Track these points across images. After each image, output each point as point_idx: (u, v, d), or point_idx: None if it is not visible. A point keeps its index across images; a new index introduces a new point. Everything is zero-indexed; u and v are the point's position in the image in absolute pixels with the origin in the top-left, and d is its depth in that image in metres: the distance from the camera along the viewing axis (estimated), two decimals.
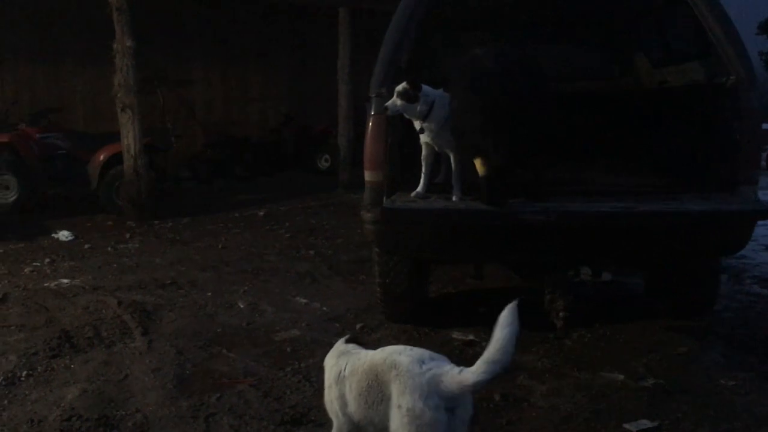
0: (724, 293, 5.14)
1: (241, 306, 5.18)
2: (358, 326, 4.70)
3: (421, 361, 2.45)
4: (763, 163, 11.67)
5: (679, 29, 4.53)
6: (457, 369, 2.41)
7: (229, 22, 12.24)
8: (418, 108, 3.69)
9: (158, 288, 5.60)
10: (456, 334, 4.50)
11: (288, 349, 4.34)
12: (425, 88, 3.72)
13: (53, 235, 7.61)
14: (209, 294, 5.46)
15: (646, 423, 3.35)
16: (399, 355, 2.54)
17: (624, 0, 4.91)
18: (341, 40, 10.61)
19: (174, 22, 11.56)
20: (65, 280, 5.84)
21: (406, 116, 3.75)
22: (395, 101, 3.68)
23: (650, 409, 3.50)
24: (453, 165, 3.83)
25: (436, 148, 3.89)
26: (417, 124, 3.81)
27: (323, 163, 12.30)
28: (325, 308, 5.14)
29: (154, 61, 10.24)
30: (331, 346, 4.29)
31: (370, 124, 3.89)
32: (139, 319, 4.83)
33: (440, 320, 4.74)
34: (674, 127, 3.86)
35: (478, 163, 3.54)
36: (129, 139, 8.44)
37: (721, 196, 3.64)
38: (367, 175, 3.93)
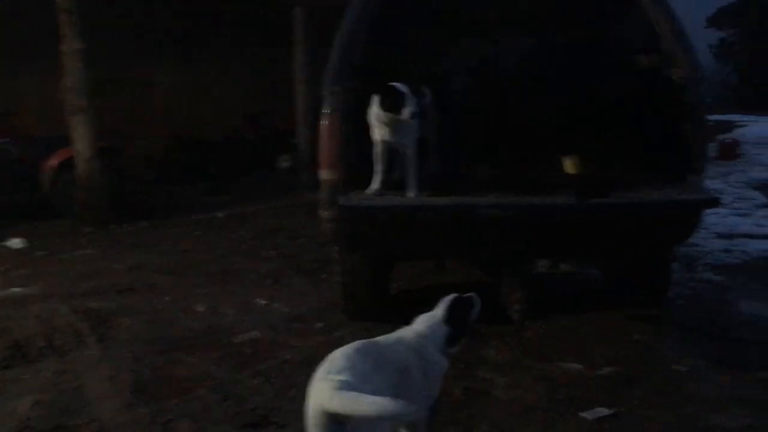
0: (678, 281, 5.25)
1: (201, 310, 5.12)
2: (319, 325, 4.69)
3: (328, 371, 2.39)
4: (713, 154, 11.98)
5: (631, 23, 4.59)
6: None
7: (186, 22, 12.08)
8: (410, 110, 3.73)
9: (115, 294, 5.51)
10: None
11: (248, 351, 4.30)
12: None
13: (4, 243, 7.42)
14: (168, 298, 5.38)
15: (603, 411, 3.40)
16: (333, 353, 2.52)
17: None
18: (297, 38, 10.56)
19: (132, 23, 11.36)
20: (17, 289, 5.70)
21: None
22: (414, 106, 3.67)
23: (607, 397, 3.55)
24: (408, 162, 3.84)
25: (394, 146, 3.89)
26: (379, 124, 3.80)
27: (284, 163, 12.22)
28: (286, 309, 5.11)
29: (109, 62, 10.04)
30: (290, 347, 4.31)
31: (324, 122, 3.88)
32: (94, 326, 4.74)
33: (402, 317, 4.72)
34: (626, 119, 3.92)
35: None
36: (82, 143, 8.26)
37: (671, 187, 3.71)
38: (323, 174, 3.92)
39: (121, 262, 6.59)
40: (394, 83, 3.69)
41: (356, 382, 2.35)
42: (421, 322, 2.96)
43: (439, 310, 2.98)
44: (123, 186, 9.44)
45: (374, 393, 2.32)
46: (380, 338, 2.85)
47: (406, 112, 3.62)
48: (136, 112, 11.34)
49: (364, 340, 2.75)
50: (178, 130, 12.02)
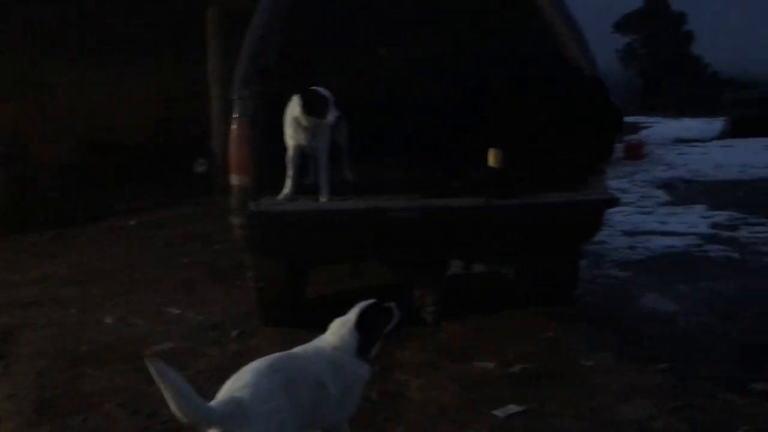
0: (586, 278, 5.44)
1: (110, 321, 4.95)
2: (235, 333, 4.61)
3: (229, 387, 2.48)
4: (619, 154, 12.49)
5: (534, 31, 4.73)
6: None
7: (94, 23, 11.64)
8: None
9: (17, 308, 5.26)
10: None
11: None
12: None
13: None
14: (74, 311, 5.18)
15: (514, 408, 3.48)
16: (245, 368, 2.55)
17: (486, 3, 5.07)
18: (211, 41, 10.37)
19: (34, 25, 10.86)
20: None
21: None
22: (335, 112, 3.65)
23: (518, 394, 3.64)
24: (320, 166, 3.84)
25: (306, 150, 3.87)
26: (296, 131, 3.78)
27: (200, 167, 11.95)
28: (200, 317, 5.00)
29: (7, 65, 9.58)
30: (205, 357, 4.22)
31: (234, 126, 3.82)
32: None
33: (318, 321, 4.70)
34: (527, 123, 4.03)
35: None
36: None
37: (574, 188, 3.84)
38: (234, 179, 3.87)
39: (24, 273, 6.29)
40: (316, 88, 3.67)
41: (253, 401, 2.35)
42: (334, 331, 2.91)
43: (351, 315, 2.94)
44: (26, 193, 9.02)
45: (278, 411, 2.36)
46: (297, 350, 2.82)
47: (330, 117, 3.61)
48: (41, 116, 10.84)
49: (280, 354, 2.73)
50: (87, 134, 11.57)
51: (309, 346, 2.86)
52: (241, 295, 5.37)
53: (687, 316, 4.79)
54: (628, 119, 23.64)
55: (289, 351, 2.81)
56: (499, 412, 3.44)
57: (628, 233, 7.19)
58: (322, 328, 4.51)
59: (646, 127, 21.16)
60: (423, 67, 4.19)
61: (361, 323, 2.88)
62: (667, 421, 3.37)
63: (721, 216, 7.99)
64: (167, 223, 8.58)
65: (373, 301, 2.98)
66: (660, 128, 20.86)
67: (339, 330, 2.88)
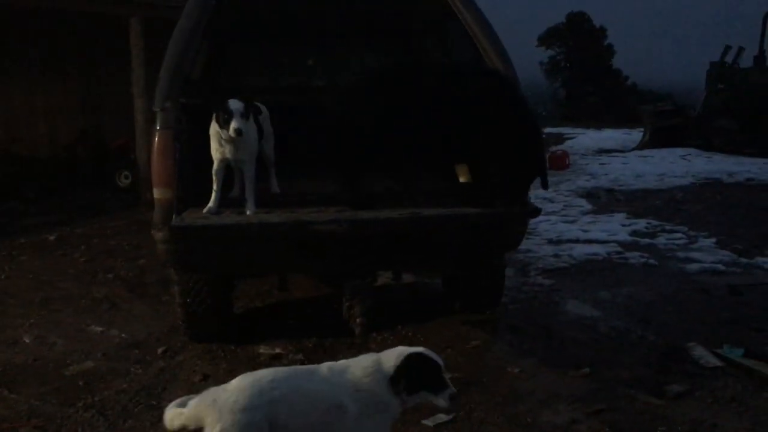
0: (512, 286, 5.57)
1: (27, 341, 4.74)
2: (160, 350, 4.50)
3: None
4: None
5: (457, 42, 4.83)
6: None
7: (11, 32, 11.20)
8: (249, 125, 3.66)
9: None
10: (263, 349, 4.46)
11: (80, 383, 4.04)
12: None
13: None
14: None
15: (442, 417, 3.53)
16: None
17: (410, 12, 5.15)
18: (134, 51, 10.11)
19: None
20: None
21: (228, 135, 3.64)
22: (242, 122, 3.57)
23: None
24: (246, 179, 3.79)
25: (232, 163, 3.82)
26: (218, 141, 3.72)
27: (123, 180, 11.62)
28: (124, 335, 4.85)
29: None
30: (128, 375, 4.10)
31: (157, 139, 3.74)
32: None
33: (247, 336, 4.67)
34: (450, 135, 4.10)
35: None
36: None
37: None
38: (156, 193, 3.78)
39: None
40: (228, 99, 3.62)
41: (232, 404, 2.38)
42: (365, 368, 2.60)
43: (388, 361, 2.61)
44: None
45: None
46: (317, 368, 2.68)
47: (230, 129, 3.56)
48: None
49: (289, 369, 2.70)
50: (2, 148, 11.11)
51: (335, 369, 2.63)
52: (166, 311, 5.25)
53: (607, 321, 4.96)
54: (553, 130, 24.33)
55: (307, 367, 2.74)
56: (428, 421, 3.48)
57: (552, 242, 7.38)
58: (251, 342, 4.50)
59: (570, 138, 21.78)
60: (351, 79, 4.21)
61: (398, 378, 2.57)
62: (588, 424, 3.48)
63: (641, 224, 8.31)
64: (89, 237, 8.26)
65: (419, 352, 2.64)
66: (583, 139, 21.50)
67: (370, 372, 2.59)
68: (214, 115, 3.67)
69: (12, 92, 11.66)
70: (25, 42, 11.46)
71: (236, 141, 3.66)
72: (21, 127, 11.72)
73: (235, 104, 3.59)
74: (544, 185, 3.79)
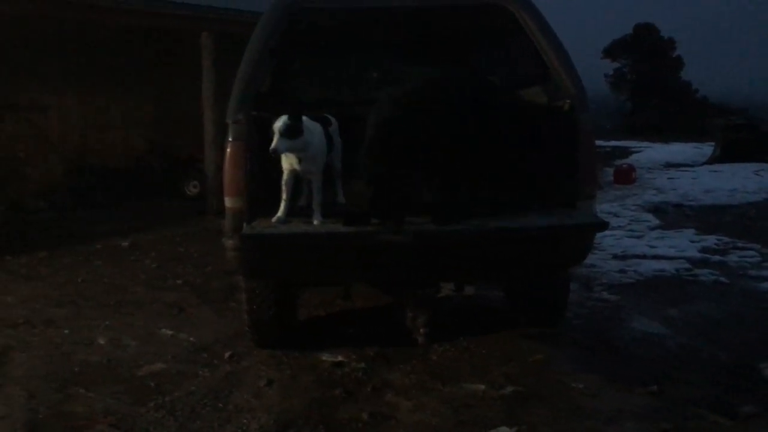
0: (576, 301, 5.50)
1: (101, 342, 4.94)
2: (226, 354, 4.62)
3: None
4: (610, 179, 12.59)
5: (523, 56, 4.83)
6: None
7: (87, 47, 11.74)
8: (303, 141, 3.72)
9: (8, 328, 5.23)
10: (325, 356, 4.52)
11: (151, 384, 4.19)
12: (303, 119, 3.75)
13: None
14: (66, 331, 5.16)
15: (505, 429, 3.51)
16: None
17: (471, 28, 5.17)
18: (205, 64, 10.44)
19: (26, 47, 10.94)
20: None
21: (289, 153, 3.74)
22: (280, 141, 3.65)
23: (509, 416, 3.67)
24: (314, 189, 3.88)
25: (300, 174, 3.92)
26: (291, 157, 3.82)
27: (192, 190, 12.00)
28: (192, 338, 5.00)
29: (2, 87, 9.63)
30: (196, 378, 4.23)
31: (228, 150, 3.87)
32: None
33: (310, 343, 4.75)
34: (520, 147, 4.10)
35: None
36: None
37: (564, 212, 3.90)
38: (228, 202, 3.90)
39: (16, 294, 6.27)
40: (290, 114, 3.70)
41: None
42: None
43: None
44: (19, 214, 9.03)
45: None
46: None
47: (271, 146, 3.65)
48: (34, 139, 10.89)
49: None
50: (78, 157, 11.62)
51: None
52: (232, 316, 5.39)
53: (676, 338, 4.83)
54: (619, 144, 23.88)
55: None
56: None
57: (618, 257, 7.25)
58: (314, 349, 4.58)
59: (636, 152, 21.36)
60: (417, 92, 4.24)
61: None
62: None
63: (711, 240, 8.07)
64: (159, 244, 8.56)
65: None
66: (650, 153, 21.05)
67: None
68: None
69: (88, 105, 12.19)
70: (100, 56, 11.97)
71: (302, 154, 3.75)
72: (96, 138, 12.24)
73: (278, 123, 3.66)
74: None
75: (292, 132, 3.67)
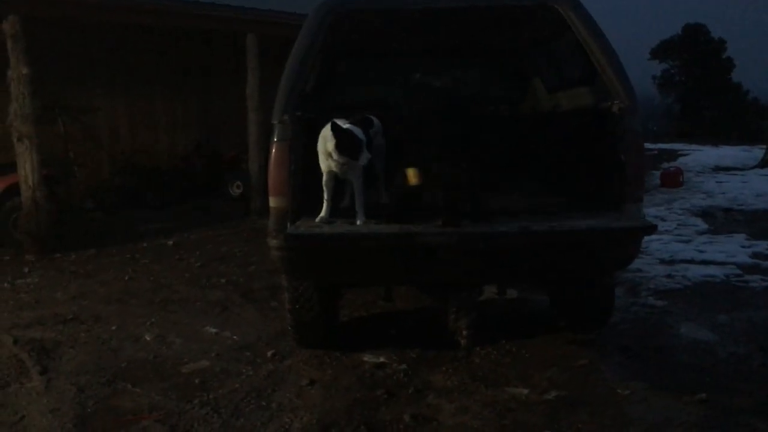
0: (621, 306, 5.39)
1: (148, 338, 5.04)
2: (269, 353, 4.66)
3: None
4: (657, 182, 12.32)
5: (569, 57, 4.77)
6: None
7: (134, 49, 11.99)
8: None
9: (59, 324, 5.38)
10: (367, 357, 4.53)
11: (196, 381, 4.25)
12: (350, 127, 3.77)
13: None
14: (114, 328, 5.28)
15: None
16: None
17: (518, 29, 5.12)
18: (249, 66, 10.57)
19: (77, 50, 11.23)
20: None
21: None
22: (367, 155, 3.72)
23: (552, 421, 3.62)
24: (356, 190, 3.89)
25: (340, 175, 3.93)
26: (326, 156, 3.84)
27: (235, 190, 12.14)
28: (235, 337, 5.07)
29: (55, 89, 9.89)
30: (239, 376, 4.28)
31: (273, 150, 3.90)
32: (36, 357, 4.63)
33: (352, 344, 4.76)
34: (566, 149, 4.05)
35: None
36: (26, 170, 8.10)
37: (610, 214, 3.83)
38: (272, 201, 3.93)
39: (66, 291, 6.44)
40: (351, 127, 3.72)
41: None
42: None
43: None
44: (69, 213, 9.26)
45: None
46: None
47: (362, 160, 3.70)
48: (85, 139, 11.16)
49: None
50: (126, 158, 11.88)
51: None
52: (275, 316, 5.44)
53: (725, 346, 4.70)
54: (666, 146, 23.37)
55: None
56: None
57: (665, 261, 7.09)
58: (356, 350, 4.59)
59: (684, 155, 20.84)
60: (462, 94, 4.22)
61: None
62: None
63: (762, 245, 7.82)
64: (202, 243, 8.70)
65: None
66: (698, 156, 20.53)
67: None
68: (323, 132, 3.78)
69: (137, 108, 12.46)
70: (147, 59, 12.21)
71: (345, 163, 3.77)
72: (144, 139, 12.49)
73: (359, 133, 3.72)
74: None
75: (369, 142, 3.76)
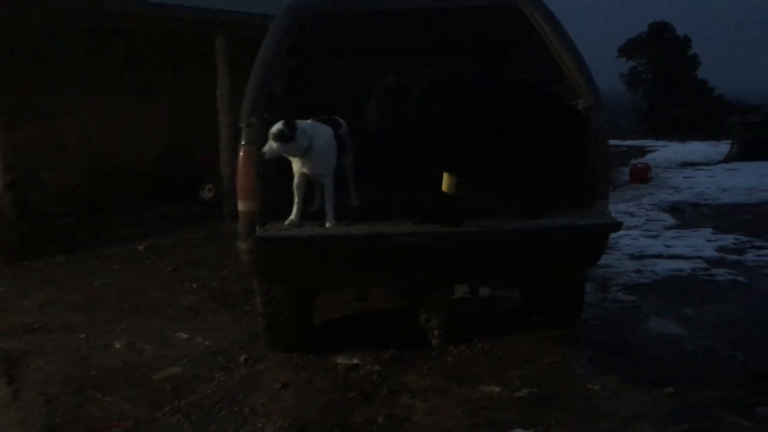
0: (592, 302, 5.46)
1: (118, 346, 4.98)
2: (242, 358, 4.64)
3: None
4: (626, 178, 12.48)
5: (536, 56, 4.80)
6: None
7: (103, 52, 11.83)
8: (298, 146, 3.72)
9: (26, 333, 5.29)
10: (341, 359, 4.53)
11: (167, 388, 4.21)
12: (300, 124, 3.74)
13: None
14: (83, 336, 5.21)
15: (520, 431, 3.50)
16: None
17: (484, 29, 5.16)
18: (219, 68, 10.49)
19: (44, 53, 11.05)
20: None
21: (286, 156, 3.76)
22: (271, 145, 3.68)
23: (525, 418, 3.65)
24: (326, 192, 3.89)
25: (311, 177, 3.92)
26: (295, 158, 3.83)
27: (207, 194, 12.05)
28: (208, 342, 5.03)
29: (21, 93, 9.72)
30: (212, 382, 4.25)
31: (241, 154, 3.89)
32: (3, 367, 4.55)
33: (325, 346, 4.76)
34: (533, 147, 4.07)
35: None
36: None
37: (577, 212, 3.88)
38: (241, 205, 3.92)
39: (33, 299, 6.34)
40: (286, 120, 3.71)
41: None
42: None
43: None
44: (36, 219, 9.11)
45: None
46: None
47: (267, 150, 3.69)
48: (51, 144, 10.99)
49: None
50: (94, 162, 11.71)
51: None
52: (248, 320, 5.41)
53: (693, 339, 4.78)
54: (635, 143, 23.71)
55: None
56: None
57: (634, 257, 7.19)
58: (329, 352, 4.59)
59: (652, 151, 21.18)
60: (429, 94, 4.22)
61: None
62: None
63: (728, 239, 7.97)
64: (174, 248, 8.62)
65: None
66: (666, 152, 20.86)
67: None
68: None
69: (106, 111, 12.30)
70: (118, 61, 12.07)
71: (312, 158, 3.76)
72: (113, 143, 12.32)
73: (272, 128, 3.69)
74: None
75: (282, 137, 3.67)
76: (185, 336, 5.17)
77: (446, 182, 3.72)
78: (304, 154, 3.76)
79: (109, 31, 11.06)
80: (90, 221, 10.67)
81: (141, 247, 8.58)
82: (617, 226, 3.76)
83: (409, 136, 3.81)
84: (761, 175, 13.48)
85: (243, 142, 3.88)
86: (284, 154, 3.74)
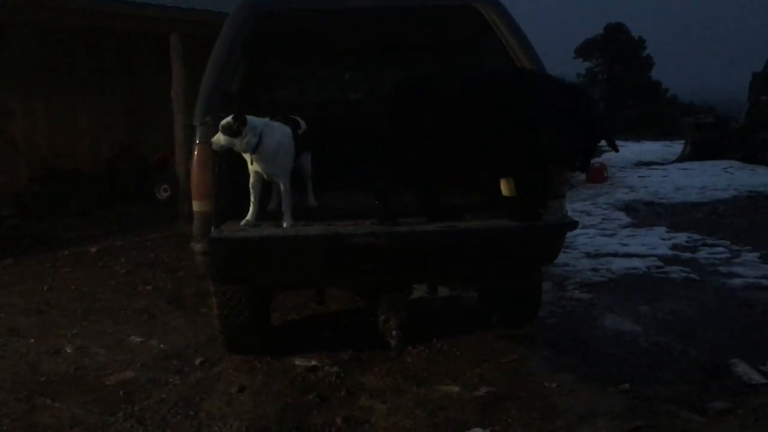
0: (549, 300, 5.51)
1: (69, 350, 4.85)
2: (198, 361, 4.55)
3: None
4: (583, 177, 12.64)
5: (492, 56, 4.83)
6: None
7: (54, 50, 11.53)
8: (246, 141, 3.66)
9: None
10: (299, 361, 4.48)
11: (121, 393, 4.11)
12: (251, 119, 3.68)
13: None
14: (32, 341, 5.05)
15: (479, 431, 3.50)
16: None
17: (442, 28, 5.16)
18: (174, 66, 10.29)
19: None
20: None
21: (235, 150, 3.70)
22: (219, 137, 3.62)
23: (483, 416, 3.67)
24: (282, 192, 3.83)
25: (266, 177, 3.86)
26: (247, 156, 3.77)
27: (162, 194, 11.83)
28: (162, 345, 4.93)
29: None
30: (167, 386, 4.16)
31: (196, 153, 3.81)
32: None
33: (283, 348, 4.70)
34: (487, 146, 4.08)
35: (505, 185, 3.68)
36: None
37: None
38: (195, 205, 3.84)
39: None
40: (236, 114, 3.66)
41: None
42: None
43: None
44: None
45: None
46: None
47: (214, 143, 3.65)
48: None
49: None
50: (45, 162, 11.39)
51: None
52: (204, 322, 5.31)
53: (647, 336, 4.86)
54: None
55: None
56: None
57: (590, 255, 7.29)
58: (287, 354, 4.53)
59: (608, 151, 21.49)
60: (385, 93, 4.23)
61: None
62: None
63: (681, 237, 8.15)
64: (128, 249, 8.42)
65: None
66: (621, 151, 21.13)
67: None
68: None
69: (57, 109, 11.98)
70: (69, 59, 11.78)
71: (263, 156, 3.71)
72: (65, 143, 12.00)
73: (223, 120, 3.64)
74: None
75: (230, 130, 3.62)
76: (139, 339, 5.06)
77: (505, 186, 3.73)
78: (254, 151, 3.70)
79: (60, 28, 10.79)
80: (40, 223, 10.37)
81: (93, 250, 8.36)
82: (573, 225, 3.79)
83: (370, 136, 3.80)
84: (713, 175, 13.83)
85: (197, 141, 3.81)
86: (233, 148, 3.67)
